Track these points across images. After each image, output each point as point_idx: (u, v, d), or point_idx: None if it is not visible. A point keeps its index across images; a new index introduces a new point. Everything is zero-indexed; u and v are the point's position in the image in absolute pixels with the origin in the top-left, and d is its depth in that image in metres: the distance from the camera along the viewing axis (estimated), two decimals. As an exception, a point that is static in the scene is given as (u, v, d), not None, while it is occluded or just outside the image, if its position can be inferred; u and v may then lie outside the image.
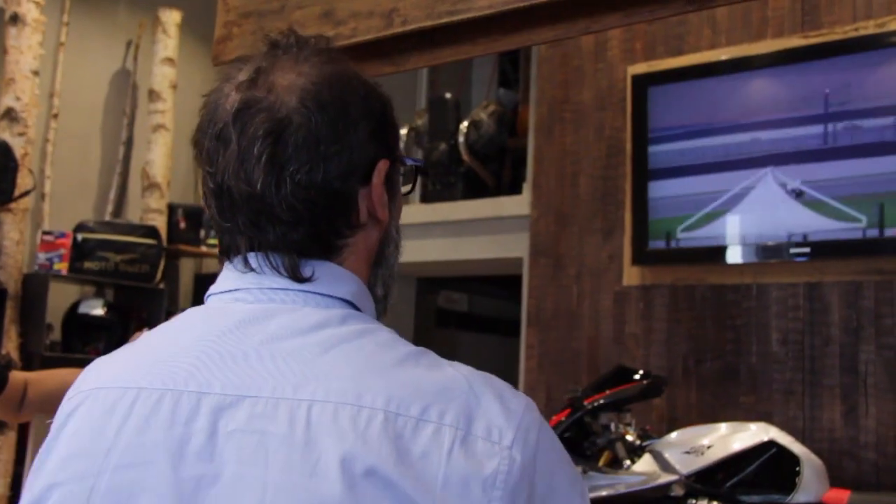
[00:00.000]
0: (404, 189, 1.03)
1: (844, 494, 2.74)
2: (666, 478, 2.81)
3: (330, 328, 0.85)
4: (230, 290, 0.91)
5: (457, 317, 7.07)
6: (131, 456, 0.82)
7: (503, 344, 7.19)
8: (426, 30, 1.55)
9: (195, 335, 0.88)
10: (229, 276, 0.92)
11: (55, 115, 4.76)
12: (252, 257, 0.90)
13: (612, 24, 1.36)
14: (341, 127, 0.89)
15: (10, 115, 4.25)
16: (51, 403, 0.97)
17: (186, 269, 5.44)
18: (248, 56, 0.94)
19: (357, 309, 0.90)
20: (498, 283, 6.56)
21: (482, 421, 0.80)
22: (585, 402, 2.97)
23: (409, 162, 1.02)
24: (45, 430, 0.93)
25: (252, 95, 0.89)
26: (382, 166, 0.93)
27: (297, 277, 0.89)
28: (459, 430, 0.79)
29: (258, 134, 0.87)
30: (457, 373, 0.84)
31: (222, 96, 0.91)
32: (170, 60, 5.12)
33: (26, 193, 4.18)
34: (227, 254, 0.93)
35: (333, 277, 0.90)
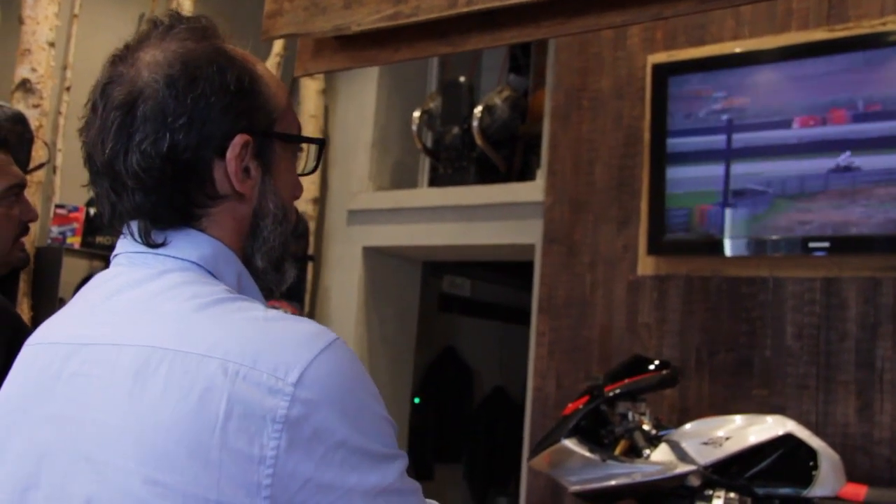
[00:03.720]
0: (305, 167, 1.07)
1: (861, 489, 2.74)
2: (683, 468, 2.81)
3: (156, 282, 0.93)
4: (115, 255, 1.00)
5: (459, 302, 7.04)
6: (15, 402, 0.95)
7: (505, 330, 7.15)
8: (490, 10, 1.52)
9: (82, 294, 1.00)
10: (118, 241, 1.01)
11: (68, 88, 4.72)
12: (120, 225, 0.99)
13: (685, 10, 1.32)
14: (190, 100, 0.94)
15: (25, 86, 4.21)
16: None
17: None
18: (135, 34, 1.01)
19: (209, 272, 0.96)
20: (502, 269, 6.53)
21: (269, 358, 0.84)
22: (606, 390, 2.96)
23: (305, 140, 1.05)
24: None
25: (117, 70, 0.97)
26: (239, 141, 0.96)
27: (149, 243, 0.96)
28: (244, 365, 0.83)
29: (114, 105, 0.94)
30: (260, 314, 0.89)
31: (104, 71, 0.99)
32: (183, 36, 5.07)
33: (41, 166, 4.14)
34: (102, 218, 1.01)
35: (187, 242, 0.96)
